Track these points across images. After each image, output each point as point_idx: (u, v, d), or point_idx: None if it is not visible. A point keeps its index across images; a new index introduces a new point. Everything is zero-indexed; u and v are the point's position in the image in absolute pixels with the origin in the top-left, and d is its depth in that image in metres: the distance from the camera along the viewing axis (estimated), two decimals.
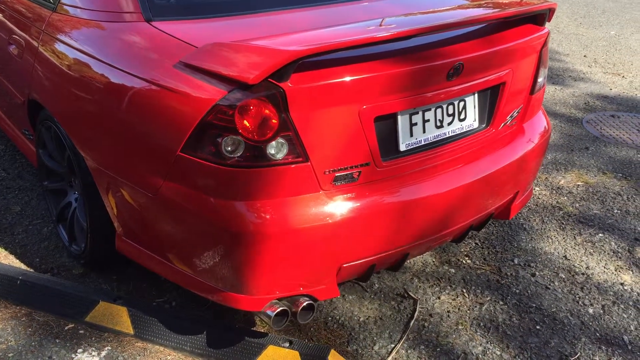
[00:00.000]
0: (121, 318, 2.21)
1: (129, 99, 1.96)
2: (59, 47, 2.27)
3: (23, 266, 2.51)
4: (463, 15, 2.19)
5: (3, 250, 2.60)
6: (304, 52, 1.67)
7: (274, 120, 1.75)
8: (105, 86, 2.05)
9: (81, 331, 2.20)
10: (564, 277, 2.64)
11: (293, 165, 1.82)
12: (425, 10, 2.30)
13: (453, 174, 2.14)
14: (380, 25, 1.98)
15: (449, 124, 2.11)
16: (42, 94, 2.40)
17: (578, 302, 2.48)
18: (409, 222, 2.05)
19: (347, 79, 1.80)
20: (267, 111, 1.74)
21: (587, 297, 2.52)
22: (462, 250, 2.79)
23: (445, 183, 2.11)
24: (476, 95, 2.16)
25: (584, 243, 2.87)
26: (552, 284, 2.59)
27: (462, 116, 2.14)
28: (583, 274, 2.66)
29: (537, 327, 2.35)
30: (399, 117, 1.97)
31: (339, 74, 1.80)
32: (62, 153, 2.43)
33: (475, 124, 2.20)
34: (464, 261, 2.71)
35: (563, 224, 3.03)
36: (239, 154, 1.77)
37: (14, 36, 2.57)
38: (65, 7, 2.30)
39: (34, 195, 2.99)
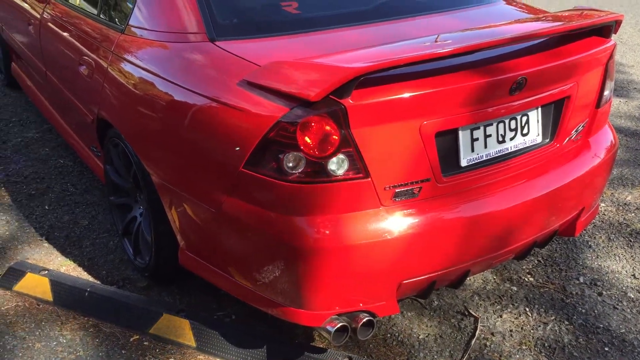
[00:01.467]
0: (184, 331, 2.26)
1: (192, 116, 2.02)
2: (127, 67, 2.36)
3: (90, 278, 2.60)
4: (526, 28, 2.16)
5: (72, 262, 2.70)
6: (365, 69, 1.68)
7: (334, 137, 1.77)
8: (170, 104, 2.11)
9: (146, 343, 2.25)
10: (632, 297, 2.53)
11: (353, 181, 1.83)
12: (486, 25, 2.28)
13: (516, 189, 2.10)
14: (440, 40, 1.97)
15: (512, 138, 2.08)
16: (110, 113, 2.49)
17: None
18: (471, 238, 2.02)
19: (408, 94, 1.80)
20: (328, 127, 1.76)
21: None
22: (524, 267, 2.72)
23: (508, 199, 2.07)
24: (540, 109, 2.12)
25: None
26: (620, 304, 2.49)
27: (525, 131, 2.10)
28: None
29: (606, 348, 2.26)
30: (460, 133, 1.95)
31: (399, 90, 1.80)
32: (128, 169, 2.52)
33: (539, 139, 2.15)
34: (526, 279, 2.64)
35: (631, 241, 2.92)
36: (300, 170, 1.80)
37: (84, 57, 2.68)
38: (133, 29, 2.39)
39: (101, 209, 3.10)
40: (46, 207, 3.12)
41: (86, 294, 2.42)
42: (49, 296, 2.44)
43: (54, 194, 3.24)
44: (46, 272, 2.57)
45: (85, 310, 2.39)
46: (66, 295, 2.44)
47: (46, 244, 2.83)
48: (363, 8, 2.41)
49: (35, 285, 2.50)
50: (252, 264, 1.99)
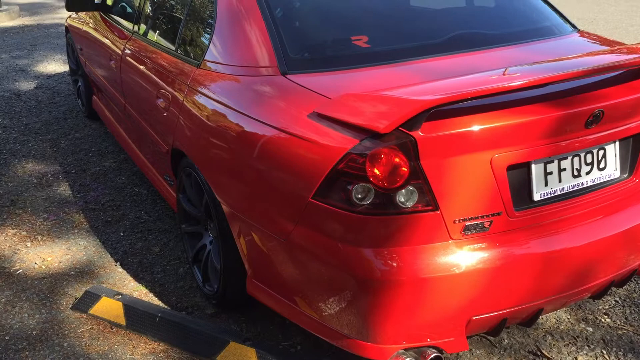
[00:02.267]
0: (250, 359, 2.28)
1: (263, 146, 2.07)
2: (202, 99, 2.45)
3: (161, 304, 2.67)
4: (602, 60, 2.10)
5: (144, 288, 2.79)
6: (436, 102, 1.68)
7: (404, 169, 1.77)
8: (241, 135, 2.17)
9: None
10: None
11: (422, 214, 1.82)
12: (561, 57, 2.24)
13: (592, 226, 2.02)
14: (513, 72, 1.95)
15: (587, 173, 2.01)
16: (184, 143, 2.59)
17: None
18: (544, 275, 1.95)
19: (479, 127, 1.79)
20: (397, 159, 1.76)
21: None
22: (600, 307, 2.60)
23: (583, 235, 2.00)
24: (617, 143, 2.05)
25: None
26: None
27: (602, 165, 2.04)
28: None
29: None
30: (533, 166, 1.91)
31: (470, 122, 1.79)
32: (200, 198, 2.59)
33: (617, 174, 2.08)
34: (603, 320, 2.52)
35: None
36: (368, 202, 1.80)
37: (161, 90, 2.80)
38: (208, 63, 2.49)
39: (172, 237, 3.19)
40: (121, 234, 3.24)
41: (157, 319, 2.49)
42: (122, 320, 2.52)
43: (128, 221, 3.36)
44: (120, 296, 2.66)
45: (155, 335, 2.45)
46: (138, 320, 2.51)
47: (120, 269, 2.93)
48: (433, 41, 2.42)
49: (109, 309, 2.59)
50: (318, 294, 2.00)
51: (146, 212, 3.47)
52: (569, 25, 2.69)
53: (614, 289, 2.58)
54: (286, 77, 2.15)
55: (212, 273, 2.60)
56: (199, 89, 2.48)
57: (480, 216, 1.86)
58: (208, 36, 2.56)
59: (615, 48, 2.43)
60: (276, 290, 2.20)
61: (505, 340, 2.42)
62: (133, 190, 3.73)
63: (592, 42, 2.63)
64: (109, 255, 3.05)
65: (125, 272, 2.91)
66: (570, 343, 2.40)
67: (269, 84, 2.19)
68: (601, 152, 2.03)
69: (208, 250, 2.67)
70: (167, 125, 2.74)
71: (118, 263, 2.98)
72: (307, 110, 1.97)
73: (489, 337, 2.42)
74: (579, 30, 2.67)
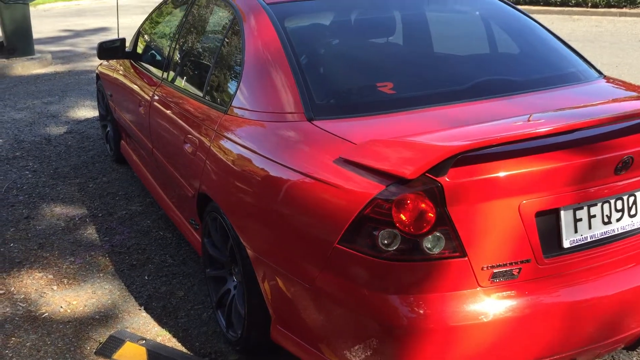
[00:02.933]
0: None
1: (289, 191, 2.08)
2: (228, 145, 2.48)
3: (184, 349, 2.65)
4: (630, 107, 2.10)
5: (167, 332, 2.77)
6: (463, 148, 1.68)
7: (430, 214, 1.76)
8: (267, 180, 2.19)
9: None
10: None
11: (449, 260, 1.80)
12: (588, 103, 2.23)
13: (624, 274, 1.98)
14: (539, 118, 1.95)
15: (618, 220, 1.98)
16: (211, 187, 2.61)
17: None
18: (575, 325, 1.91)
19: (506, 173, 1.78)
20: (423, 205, 1.75)
21: None
22: (635, 359, 2.52)
23: (615, 284, 1.96)
24: None
25: None
26: None
27: (633, 212, 2.00)
28: None
29: None
30: (562, 213, 1.88)
31: (497, 168, 1.78)
32: (225, 242, 2.59)
33: None
34: None
35: None
36: (395, 247, 1.79)
37: (189, 135, 2.85)
38: (235, 109, 2.53)
39: (196, 281, 3.19)
40: (146, 278, 3.25)
41: None
42: None
43: (153, 265, 3.38)
44: (144, 341, 2.65)
45: None
46: None
47: (144, 314, 2.93)
48: (458, 87, 2.44)
49: (133, 354, 2.57)
50: (344, 341, 1.97)
51: (171, 255, 3.48)
52: (594, 71, 2.69)
53: None
54: (312, 123, 2.18)
55: (236, 318, 2.58)
56: (226, 134, 2.51)
57: (509, 263, 1.83)
58: (236, 83, 2.61)
59: None
60: (301, 337, 2.17)
61: None
62: (158, 233, 3.75)
63: (619, 88, 2.62)
64: (134, 299, 3.05)
65: (149, 316, 2.91)
66: None
67: (295, 129, 2.21)
68: (632, 199, 2.00)
69: (232, 295, 2.65)
70: (194, 170, 2.78)
71: (142, 307, 2.98)
72: (333, 155, 1.98)
73: None
74: (605, 75, 2.67)
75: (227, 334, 2.64)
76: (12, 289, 3.17)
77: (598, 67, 2.95)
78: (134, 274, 3.29)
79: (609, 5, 12.35)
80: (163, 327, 2.81)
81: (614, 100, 2.27)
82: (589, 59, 2.88)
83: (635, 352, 2.54)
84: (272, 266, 2.20)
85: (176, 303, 3.01)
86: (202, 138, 2.69)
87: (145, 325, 2.83)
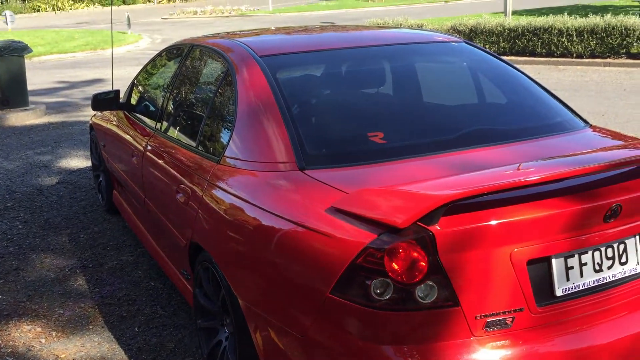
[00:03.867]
0: None
1: (281, 241, 2.08)
2: (221, 194, 2.49)
3: None
4: (618, 155, 2.14)
5: None
6: (455, 197, 1.70)
7: (422, 263, 1.76)
8: (259, 229, 2.19)
9: None
10: None
11: (443, 309, 1.79)
12: (576, 152, 2.27)
13: (617, 322, 1.98)
14: (529, 167, 1.97)
15: (609, 267, 1.99)
16: (203, 237, 2.60)
17: None
18: None
19: (497, 221, 1.79)
20: (416, 254, 1.76)
21: None
22: None
23: (609, 332, 1.95)
24: (637, 237, 2.04)
25: None
26: None
27: (624, 259, 2.01)
28: None
29: None
30: (554, 261, 1.89)
31: (488, 217, 1.80)
32: (217, 292, 2.57)
33: (639, 268, 2.05)
34: None
35: None
36: (387, 297, 1.78)
37: (181, 185, 2.86)
38: (228, 159, 2.55)
39: (187, 332, 3.15)
40: (136, 330, 3.20)
41: None
42: None
43: (143, 316, 3.33)
44: None
45: None
46: None
47: None
48: (448, 137, 2.47)
49: None
50: None
51: (162, 306, 3.44)
52: (580, 120, 2.74)
53: None
54: (304, 173, 2.20)
55: None
56: (219, 183, 2.53)
57: (502, 312, 1.83)
58: (228, 133, 2.64)
59: (629, 142, 2.46)
60: None
61: None
62: (149, 284, 3.71)
63: (606, 137, 2.67)
64: (123, 352, 3.00)
65: None
66: None
67: (287, 179, 2.23)
68: (622, 246, 2.01)
69: (224, 346, 2.62)
70: (186, 219, 2.77)
71: None
72: (325, 204, 1.99)
73: None
74: (591, 125, 2.72)
75: None
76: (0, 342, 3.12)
77: (584, 116, 3.01)
78: (124, 325, 3.24)
79: (593, 56, 12.64)
80: None
81: (601, 149, 2.31)
82: (575, 108, 2.94)
83: None
84: (264, 316, 2.18)
85: (166, 355, 2.96)
86: (195, 187, 2.70)
87: None
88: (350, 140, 2.47)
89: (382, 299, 1.78)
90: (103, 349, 3.03)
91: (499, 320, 1.83)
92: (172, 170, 3.04)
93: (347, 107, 2.77)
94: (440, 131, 2.56)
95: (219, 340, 2.67)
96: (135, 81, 4.36)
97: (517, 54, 13.54)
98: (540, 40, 13.16)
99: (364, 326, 1.84)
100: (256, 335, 2.26)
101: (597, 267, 1.97)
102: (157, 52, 4.44)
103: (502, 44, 13.58)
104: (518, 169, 1.96)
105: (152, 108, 3.87)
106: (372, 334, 1.83)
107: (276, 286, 2.13)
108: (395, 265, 1.76)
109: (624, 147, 2.41)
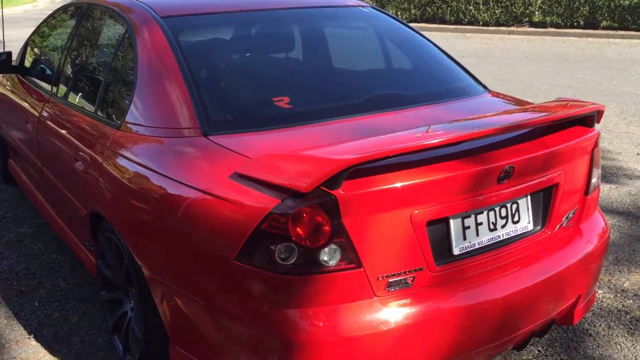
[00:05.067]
0: None
1: (185, 209, 2.03)
2: (122, 162, 2.40)
3: None
4: (513, 119, 2.22)
5: None
6: (355, 161, 1.71)
7: (326, 227, 1.77)
8: (163, 197, 2.13)
9: None
10: None
11: (346, 272, 1.82)
12: (475, 116, 2.34)
13: (511, 277, 2.08)
14: (430, 131, 2.02)
15: (503, 226, 2.09)
16: (103, 206, 2.51)
17: None
18: (467, 328, 1.98)
19: (398, 184, 1.83)
20: (319, 218, 1.77)
21: None
22: (524, 358, 2.65)
23: (503, 287, 2.05)
24: (529, 197, 2.15)
25: None
26: None
27: (516, 218, 2.12)
28: None
29: None
30: (451, 221, 1.96)
31: (389, 180, 1.83)
32: (120, 263, 2.50)
33: (530, 226, 2.16)
34: None
35: (631, 329, 2.86)
36: (292, 261, 1.79)
37: (80, 153, 2.73)
38: (129, 125, 2.45)
39: (91, 305, 3.05)
40: (36, 304, 3.06)
41: None
42: None
43: (44, 290, 3.19)
44: None
45: None
46: None
47: (34, 342, 2.76)
48: (353, 101, 2.49)
49: None
50: (245, 358, 1.94)
51: (64, 279, 3.31)
52: (480, 86, 2.83)
53: (535, 339, 2.64)
54: (208, 138, 2.15)
55: (134, 342, 2.48)
56: (119, 151, 2.43)
57: (403, 272, 1.88)
58: (128, 98, 2.53)
59: (526, 107, 2.57)
60: (200, 357, 2.12)
61: None
62: (50, 257, 3.56)
63: (503, 102, 2.77)
64: (22, 328, 2.86)
65: (39, 345, 2.74)
66: None
67: (190, 145, 2.17)
68: (514, 206, 2.11)
69: (129, 317, 2.56)
70: (86, 189, 2.66)
71: (32, 335, 2.80)
72: (229, 171, 1.96)
73: None
74: (490, 90, 2.82)
75: (125, 358, 2.53)
76: None
77: (489, 83, 3.11)
78: (23, 300, 3.10)
79: (498, 24, 13.11)
80: (55, 356, 2.66)
81: (497, 113, 2.39)
82: (480, 74, 3.02)
83: (524, 352, 2.68)
84: (169, 285, 2.14)
85: (69, 329, 2.86)
86: (94, 155, 2.59)
87: (34, 354, 2.67)
88: (255, 105, 2.43)
89: (286, 263, 1.79)
90: (0, 326, 2.88)
91: (400, 280, 1.88)
92: (69, 137, 2.90)
93: (252, 71, 2.73)
94: (346, 96, 2.57)
95: (124, 311, 2.60)
96: (29, 42, 4.09)
97: (428, 21, 13.82)
98: (449, 8, 13.48)
99: (270, 291, 1.84)
100: (162, 305, 2.21)
101: (492, 226, 2.06)
102: (53, 11, 4.18)
103: (413, 11, 13.82)
104: (418, 133, 2.01)
105: (47, 72, 3.65)
106: (277, 298, 1.83)
107: (181, 254, 2.09)
108: (299, 230, 1.77)
109: (519, 111, 2.51)
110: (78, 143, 2.78)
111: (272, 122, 2.26)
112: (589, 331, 2.85)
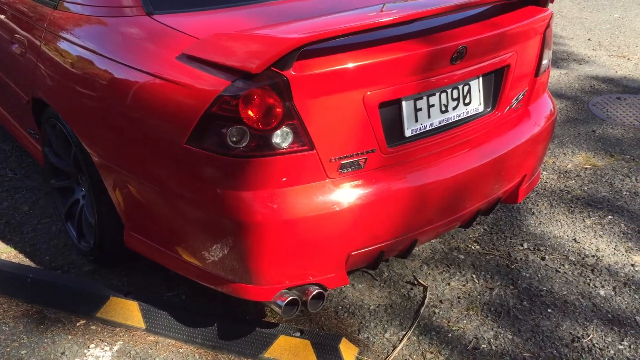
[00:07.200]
0: (132, 313, 2.22)
1: (132, 93, 1.96)
2: (61, 44, 2.27)
3: (33, 265, 2.53)
4: None
5: (12, 249, 2.62)
6: (306, 40, 1.66)
7: (278, 109, 1.75)
8: (108, 81, 2.05)
9: (93, 327, 2.21)
10: (574, 260, 2.62)
11: (298, 154, 1.82)
12: None
13: (460, 158, 2.13)
14: (382, 10, 1.96)
15: (454, 108, 2.10)
16: (46, 92, 2.40)
17: (589, 285, 2.47)
18: (417, 208, 2.04)
19: (350, 65, 1.79)
20: (271, 100, 1.74)
21: (597, 279, 2.51)
22: (470, 236, 2.78)
23: (452, 168, 2.10)
24: (480, 78, 2.15)
25: (594, 226, 2.86)
26: (562, 267, 2.57)
27: (467, 100, 2.13)
28: (593, 256, 2.65)
29: (549, 310, 2.34)
30: (404, 103, 1.96)
31: (341, 60, 1.79)
32: (68, 150, 2.44)
33: (481, 108, 2.18)
34: (472, 247, 2.70)
35: (572, 207, 3.01)
36: (244, 144, 1.77)
37: (16, 35, 2.57)
38: (66, 4, 2.30)
39: (42, 194, 3.01)
40: None
41: (28, 280, 2.35)
42: None
43: None
44: None
45: (27, 297, 2.32)
46: (7, 283, 2.36)
47: None
48: None
49: None
50: (199, 241, 1.97)
51: (11, 169, 3.23)
52: None
53: (482, 217, 2.75)
54: (152, 18, 2.04)
55: (87, 228, 2.48)
56: (58, 32, 2.29)
57: (355, 154, 1.89)
58: None
59: None
60: (156, 241, 2.14)
61: (385, 273, 2.53)
62: None
63: None
64: None
65: None
66: (443, 271, 2.55)
67: (134, 25, 2.06)
68: (466, 88, 2.11)
69: (81, 205, 2.54)
70: (25, 74, 2.53)
71: None
72: (176, 52, 1.88)
73: (369, 271, 2.52)
74: None
75: (79, 245, 2.54)
76: None
77: None
78: None
79: None
80: (7, 244, 2.65)
81: None
82: None
83: (471, 230, 2.80)
84: (120, 171, 2.11)
85: (21, 218, 2.83)
86: (31, 37, 2.44)
87: None
88: None
89: (238, 146, 1.77)
90: None
91: (352, 162, 1.90)
92: (5, 20, 2.71)
93: None
94: None
95: (76, 199, 2.57)
96: None
97: None
98: None
99: (222, 174, 1.83)
100: (114, 192, 2.19)
101: (444, 108, 2.07)
102: None
103: None
104: (370, 12, 1.95)
105: None
106: (230, 181, 1.83)
107: (130, 139, 2.04)
108: (250, 112, 1.74)
109: None
110: (13, 25, 2.62)
111: (217, 2, 2.15)
112: (532, 210, 2.98)
